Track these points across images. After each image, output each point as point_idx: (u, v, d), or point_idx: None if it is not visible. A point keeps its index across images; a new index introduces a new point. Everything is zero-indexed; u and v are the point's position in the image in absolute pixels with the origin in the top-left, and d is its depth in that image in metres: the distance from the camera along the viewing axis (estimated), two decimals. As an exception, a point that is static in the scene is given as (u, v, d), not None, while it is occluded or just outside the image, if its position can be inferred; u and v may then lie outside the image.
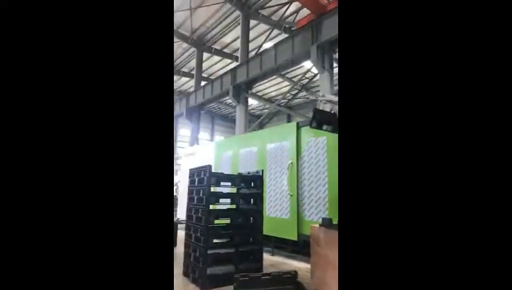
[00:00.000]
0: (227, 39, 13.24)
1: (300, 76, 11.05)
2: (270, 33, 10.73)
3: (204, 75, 15.18)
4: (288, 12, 10.70)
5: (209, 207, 3.13)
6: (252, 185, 3.66)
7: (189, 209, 3.53)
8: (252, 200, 3.62)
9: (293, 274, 2.62)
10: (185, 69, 16.25)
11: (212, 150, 6.70)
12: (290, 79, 14.86)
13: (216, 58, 14.56)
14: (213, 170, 3.26)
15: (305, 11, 9.29)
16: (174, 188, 13.96)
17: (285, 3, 10.42)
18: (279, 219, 4.58)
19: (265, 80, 11.33)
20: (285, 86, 15.96)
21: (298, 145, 4.53)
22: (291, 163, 4.54)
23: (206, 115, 20.25)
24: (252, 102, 16.81)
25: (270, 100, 17.18)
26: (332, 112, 2.65)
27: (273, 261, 4.14)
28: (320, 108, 2.72)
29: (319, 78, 7.63)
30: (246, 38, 10.60)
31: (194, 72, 14.17)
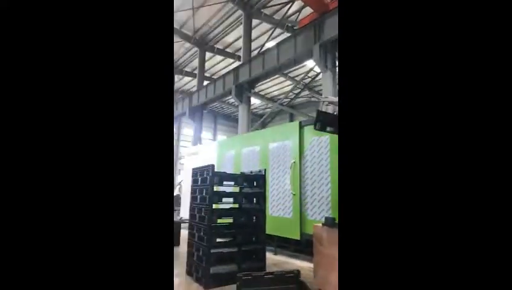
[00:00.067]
0: (229, 38, 13.24)
1: (302, 75, 11.02)
2: (272, 32, 10.71)
3: (206, 74, 15.19)
4: (290, 11, 10.67)
5: (212, 206, 3.14)
6: (255, 184, 3.66)
7: (192, 209, 3.54)
8: (254, 199, 3.63)
9: (296, 273, 2.62)
10: (187, 69, 16.28)
11: (214, 150, 6.71)
12: (292, 78, 14.82)
13: (218, 57, 14.57)
14: (216, 170, 3.27)
15: (307, 10, 9.26)
16: (177, 187, 14.02)
17: (288, 2, 10.40)
18: (281, 218, 4.58)
19: (268, 79, 11.31)
20: (288, 85, 15.94)
21: (301, 144, 4.53)
22: (294, 162, 4.54)
23: (208, 114, 20.28)
24: (255, 101, 16.80)
25: (272, 99, 17.15)
26: (335, 113, 2.65)
27: (275, 261, 4.15)
28: (323, 110, 2.72)
29: (321, 77, 7.61)
30: (248, 38, 10.60)
31: (196, 71, 14.19)
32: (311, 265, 3.30)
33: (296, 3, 10.16)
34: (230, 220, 3.51)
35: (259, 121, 11.43)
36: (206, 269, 2.93)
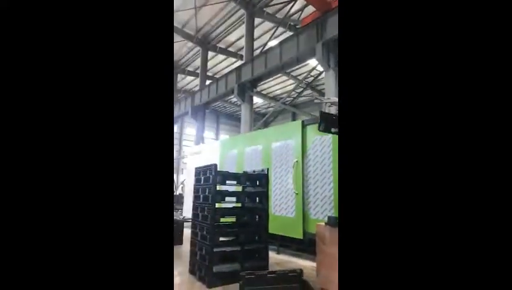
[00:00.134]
0: (232, 38, 13.24)
1: (305, 74, 10.99)
2: (275, 31, 10.70)
3: (209, 74, 15.22)
4: (293, 10, 10.64)
5: (215, 205, 3.14)
6: (258, 183, 3.67)
7: (195, 208, 3.55)
8: (257, 198, 3.63)
9: (299, 272, 2.62)
10: (190, 68, 16.31)
11: (217, 149, 6.72)
12: (295, 77, 14.80)
13: (221, 57, 14.58)
14: (218, 169, 3.28)
15: (310, 9, 9.24)
16: (180, 186, 14.06)
17: (290, 1, 10.37)
18: (284, 217, 4.58)
19: (270, 78, 11.30)
20: (290, 84, 15.92)
21: (303, 143, 4.52)
22: (297, 161, 4.53)
23: (211, 113, 20.29)
24: (257, 100, 16.80)
25: (275, 98, 17.15)
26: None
27: (278, 260, 4.15)
28: (326, 111, 2.73)
29: (324, 76, 7.59)
30: (250, 37, 10.59)
31: (198, 71, 14.21)
32: (313, 264, 3.30)
33: (298, 2, 10.14)
34: (233, 219, 3.52)
35: (262, 120, 11.44)
36: (209, 267, 2.94)
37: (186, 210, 7.62)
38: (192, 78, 16.99)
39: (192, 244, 3.44)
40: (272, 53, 8.49)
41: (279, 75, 12.44)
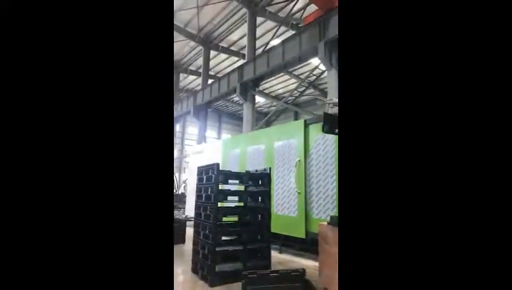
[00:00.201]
0: (234, 37, 13.22)
1: (307, 73, 10.95)
2: (277, 30, 10.66)
3: (211, 73, 15.22)
4: (295, 9, 10.61)
5: (217, 204, 3.15)
6: (260, 182, 3.67)
7: (197, 207, 3.56)
8: (259, 198, 3.63)
9: (301, 272, 2.62)
10: (192, 67, 16.32)
11: (219, 148, 6.73)
12: (297, 76, 14.76)
13: (223, 56, 14.58)
14: (221, 168, 3.28)
15: (312, 8, 9.20)
16: (183, 185, 14.08)
17: (292, 0, 10.33)
18: (287, 216, 4.58)
19: (273, 78, 11.26)
20: (293, 83, 15.88)
21: (306, 142, 4.51)
22: (299, 161, 4.52)
23: (213, 113, 20.30)
24: (259, 99, 16.78)
25: (277, 98, 17.11)
26: None
27: (280, 259, 4.15)
28: (329, 112, 2.73)
29: (326, 75, 7.56)
30: (252, 36, 10.57)
31: (201, 70, 14.21)
32: (316, 264, 3.30)
33: (300, 0, 10.10)
34: (236, 219, 3.52)
35: (264, 119, 11.42)
36: (211, 267, 2.95)
37: (189, 209, 7.63)
38: (195, 77, 17.00)
39: (195, 243, 3.44)
40: (274, 52, 8.47)
41: (282, 74, 12.41)
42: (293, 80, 15.46)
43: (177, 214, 7.80)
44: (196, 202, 3.61)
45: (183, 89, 18.55)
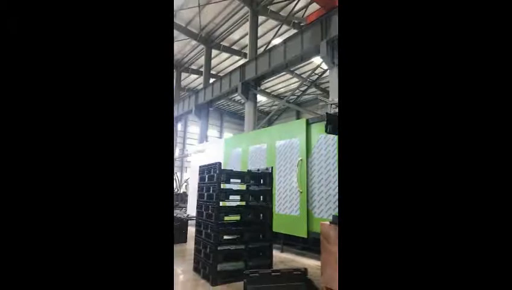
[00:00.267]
0: (235, 36, 13.22)
1: (309, 72, 10.94)
2: (279, 29, 10.65)
3: (212, 72, 15.22)
4: (297, 8, 10.58)
5: (219, 204, 3.15)
6: (262, 182, 3.66)
7: (199, 206, 3.56)
8: (261, 197, 3.62)
9: (303, 271, 2.62)
10: (193, 67, 16.34)
11: (221, 147, 6.73)
12: (299, 75, 14.74)
13: (224, 55, 14.58)
14: (223, 167, 3.28)
15: (314, 6, 9.17)
16: (184, 184, 14.11)
17: (294, -1, 10.31)
18: (288, 216, 4.57)
19: (274, 77, 11.26)
20: (294, 83, 15.87)
21: (308, 142, 4.50)
22: (301, 160, 4.51)
23: (215, 112, 20.34)
24: (261, 99, 16.78)
25: (279, 97, 17.11)
26: None
27: (282, 258, 4.15)
28: (331, 112, 2.73)
29: (328, 74, 7.54)
30: (254, 35, 10.56)
31: (202, 69, 14.22)
32: (318, 263, 3.29)
33: (302, -1, 10.08)
34: (237, 218, 3.52)
35: (266, 118, 11.41)
36: (213, 266, 2.95)
37: (191, 208, 7.65)
38: (196, 76, 17.01)
39: (197, 242, 3.45)
40: (275, 51, 8.46)
41: (283, 73, 12.39)
42: (295, 79, 15.44)
43: (178, 213, 7.82)
44: (198, 201, 3.61)
45: (185, 88, 18.57)
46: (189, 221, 5.53)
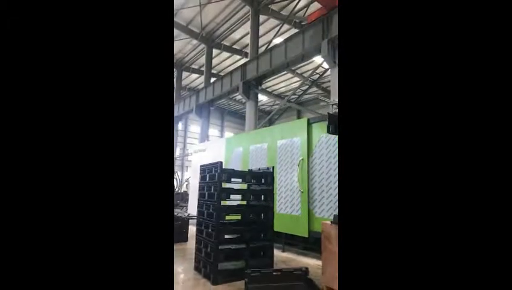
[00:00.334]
0: (236, 35, 13.21)
1: (310, 71, 10.92)
2: (280, 28, 10.64)
3: (213, 71, 15.22)
4: (298, 7, 10.57)
5: (220, 203, 3.15)
6: (263, 181, 3.66)
7: (200, 205, 3.56)
8: (262, 196, 3.62)
9: (304, 271, 2.62)
10: (194, 66, 16.33)
11: (222, 147, 6.73)
12: (300, 75, 14.72)
13: (225, 54, 14.57)
14: (224, 167, 3.28)
15: (315, 5, 9.15)
16: (185, 184, 14.13)
17: (295, -2, 10.29)
18: (289, 215, 4.57)
19: (275, 76, 11.26)
20: (296, 82, 15.85)
21: (309, 141, 4.50)
22: (302, 159, 4.51)
23: (215, 111, 20.34)
24: (262, 98, 16.78)
25: (280, 96, 17.10)
26: None
27: (283, 258, 4.15)
28: (332, 112, 2.73)
29: (330, 74, 7.53)
30: (255, 34, 10.54)
31: (203, 68, 14.22)
32: (319, 263, 3.29)
33: (303, -2, 10.06)
34: (238, 217, 3.52)
35: (267, 118, 11.41)
36: (214, 265, 2.95)
37: (191, 208, 7.66)
38: (197, 76, 17.00)
39: (198, 241, 3.45)
40: (277, 50, 8.45)
41: (284, 72, 12.38)
42: (296, 79, 15.42)
43: (179, 212, 7.82)
44: (199, 200, 3.62)
45: (186, 87, 18.57)
46: (190, 220, 5.54)
